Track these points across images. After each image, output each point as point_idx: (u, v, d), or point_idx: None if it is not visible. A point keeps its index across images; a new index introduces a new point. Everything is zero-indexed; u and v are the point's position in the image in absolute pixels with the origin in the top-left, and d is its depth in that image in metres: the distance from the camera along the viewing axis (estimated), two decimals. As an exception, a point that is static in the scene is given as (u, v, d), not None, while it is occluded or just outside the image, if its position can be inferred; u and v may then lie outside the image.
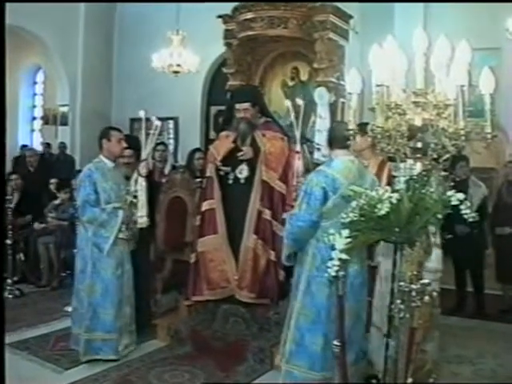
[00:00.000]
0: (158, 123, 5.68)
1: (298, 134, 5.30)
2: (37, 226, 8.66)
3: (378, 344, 4.69)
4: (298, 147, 5.30)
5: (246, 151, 5.52)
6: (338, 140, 4.54)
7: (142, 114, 5.58)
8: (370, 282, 4.76)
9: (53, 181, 9.26)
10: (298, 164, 5.22)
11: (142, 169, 5.52)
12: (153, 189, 5.79)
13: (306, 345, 4.45)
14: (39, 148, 14.46)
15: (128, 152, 5.94)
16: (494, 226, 7.36)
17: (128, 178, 5.73)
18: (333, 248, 3.32)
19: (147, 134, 5.55)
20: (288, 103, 5.46)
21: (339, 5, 6.49)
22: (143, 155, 5.62)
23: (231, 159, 5.55)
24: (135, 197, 5.45)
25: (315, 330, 4.40)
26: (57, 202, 8.62)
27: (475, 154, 7.55)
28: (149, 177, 5.67)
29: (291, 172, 5.47)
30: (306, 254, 4.47)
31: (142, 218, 5.48)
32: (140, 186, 5.46)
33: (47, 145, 13.74)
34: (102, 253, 5.35)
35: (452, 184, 3.53)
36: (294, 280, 4.67)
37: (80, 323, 5.42)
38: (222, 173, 5.62)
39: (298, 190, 4.94)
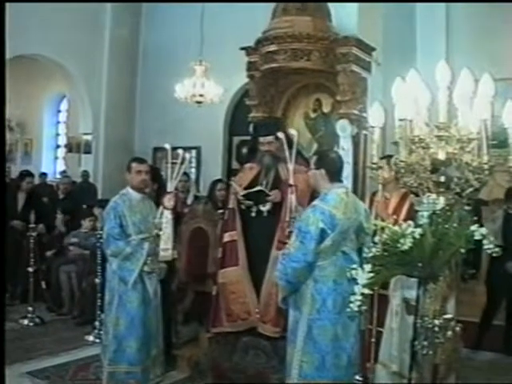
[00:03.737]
0: (186, 155, 5.64)
1: (291, 166, 5.03)
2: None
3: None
4: (291, 180, 5.00)
5: (275, 195, 5.42)
6: (339, 172, 4.45)
7: (167, 146, 5.50)
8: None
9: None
10: (291, 198, 4.91)
11: (169, 201, 5.37)
12: (177, 220, 5.75)
13: None
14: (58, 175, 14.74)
15: None
16: None
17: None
18: (356, 282, 3.31)
19: (173, 167, 5.45)
20: (281, 135, 5.20)
21: (362, 37, 6.50)
22: (169, 187, 5.49)
23: (254, 193, 5.51)
24: (160, 229, 5.33)
25: (321, 378, 4.13)
26: (79, 230, 8.66)
27: (499, 187, 7.50)
28: (174, 208, 5.54)
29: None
30: (305, 297, 4.20)
31: (166, 250, 5.35)
32: (166, 218, 5.34)
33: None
34: (127, 286, 5.30)
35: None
36: (289, 325, 4.39)
37: (104, 355, 5.39)
38: (243, 206, 5.59)
39: (291, 226, 4.69)
